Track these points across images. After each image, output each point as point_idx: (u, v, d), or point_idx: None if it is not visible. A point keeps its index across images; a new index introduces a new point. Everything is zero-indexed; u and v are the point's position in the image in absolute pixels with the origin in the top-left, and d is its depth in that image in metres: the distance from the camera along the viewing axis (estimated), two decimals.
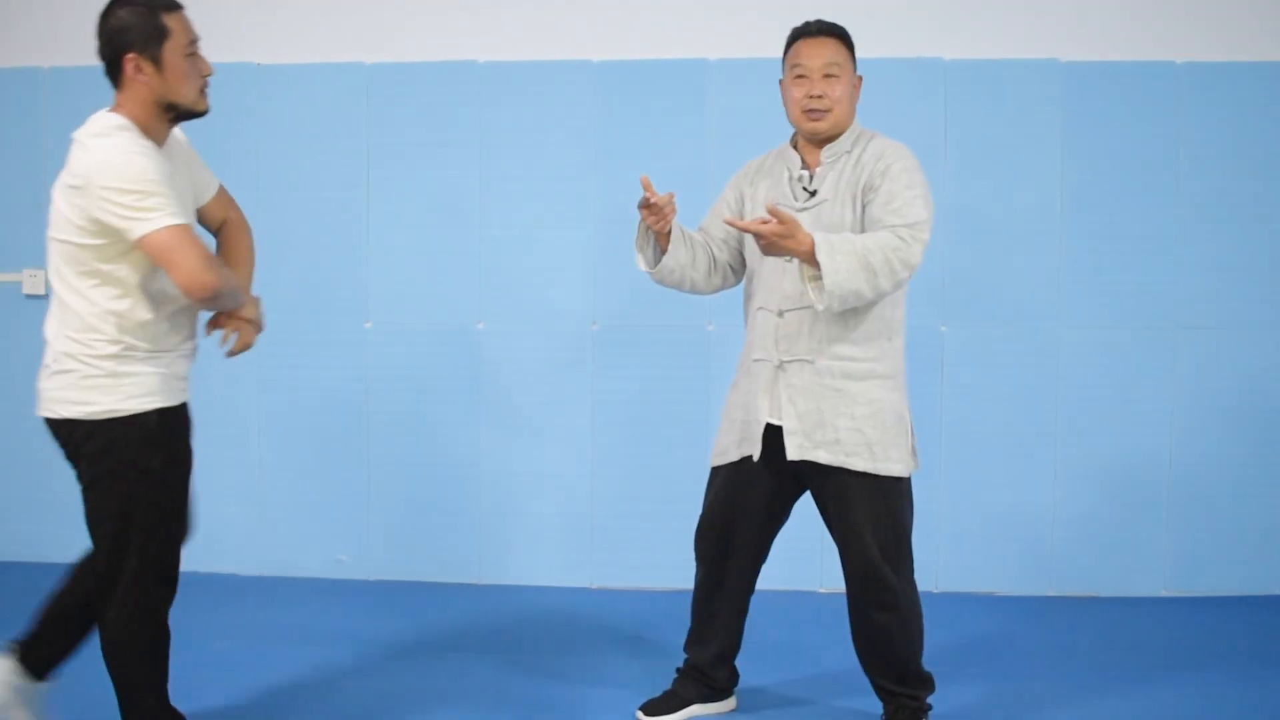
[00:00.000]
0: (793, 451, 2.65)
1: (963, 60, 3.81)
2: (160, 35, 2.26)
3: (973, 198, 3.82)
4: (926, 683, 2.79)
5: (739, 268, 2.88)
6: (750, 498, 2.78)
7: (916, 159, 2.67)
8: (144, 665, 2.42)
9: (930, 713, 2.79)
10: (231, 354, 2.49)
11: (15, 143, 4.09)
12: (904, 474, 2.66)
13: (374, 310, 3.99)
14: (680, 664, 2.97)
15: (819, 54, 2.66)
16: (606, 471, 3.96)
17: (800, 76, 2.68)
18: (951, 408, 3.85)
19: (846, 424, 2.61)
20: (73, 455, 2.37)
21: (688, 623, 2.96)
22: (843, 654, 2.97)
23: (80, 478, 2.36)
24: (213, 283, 2.22)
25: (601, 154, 3.90)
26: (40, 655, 2.51)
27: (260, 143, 4.01)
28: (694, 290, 2.88)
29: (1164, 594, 3.86)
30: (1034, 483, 3.86)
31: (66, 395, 2.33)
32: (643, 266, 2.80)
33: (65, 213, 2.26)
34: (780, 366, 2.67)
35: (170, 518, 2.40)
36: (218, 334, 2.46)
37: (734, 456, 2.77)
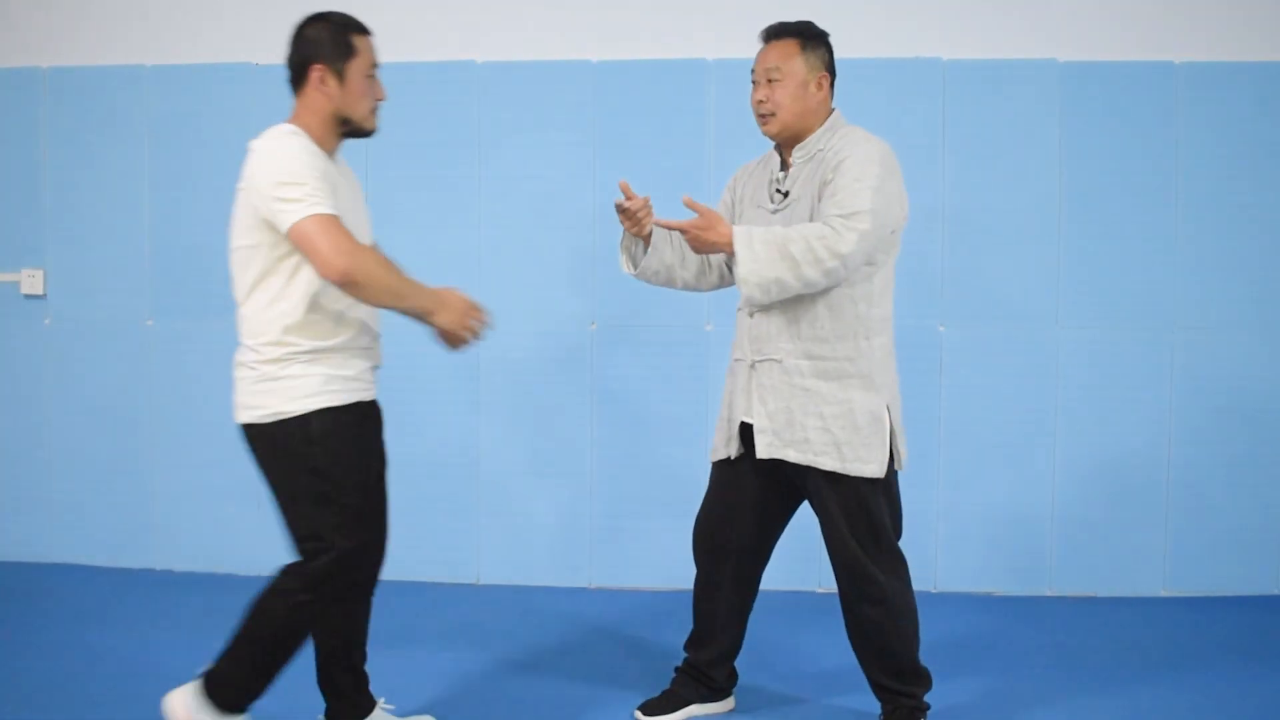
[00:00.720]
0: (762, 449, 2.67)
1: (961, 60, 3.82)
2: (348, 53, 2.42)
3: (971, 198, 3.83)
4: (923, 679, 2.79)
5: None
6: (740, 495, 2.79)
7: (880, 153, 2.60)
8: (268, 647, 2.45)
9: (928, 712, 2.79)
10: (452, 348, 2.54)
11: (14, 143, 4.09)
12: (876, 475, 2.63)
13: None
14: (679, 663, 2.97)
15: (763, 59, 2.69)
16: (605, 471, 3.96)
17: (754, 83, 2.71)
18: (949, 407, 3.86)
19: (815, 423, 2.62)
20: (254, 457, 2.44)
21: (686, 623, 2.96)
22: (840, 654, 2.98)
23: (265, 481, 2.43)
24: (344, 266, 2.23)
25: (600, 154, 3.90)
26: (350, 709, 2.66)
27: None
28: (686, 288, 2.91)
29: (1162, 594, 3.86)
30: (1032, 483, 3.86)
31: (241, 400, 2.42)
32: (626, 268, 2.83)
33: (241, 218, 2.38)
34: (753, 366, 2.70)
35: (352, 515, 2.40)
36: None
37: (723, 454, 2.81)
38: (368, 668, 2.70)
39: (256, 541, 4.06)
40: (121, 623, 3.55)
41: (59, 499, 4.15)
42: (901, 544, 2.75)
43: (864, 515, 2.66)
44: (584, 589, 3.96)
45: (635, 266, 2.82)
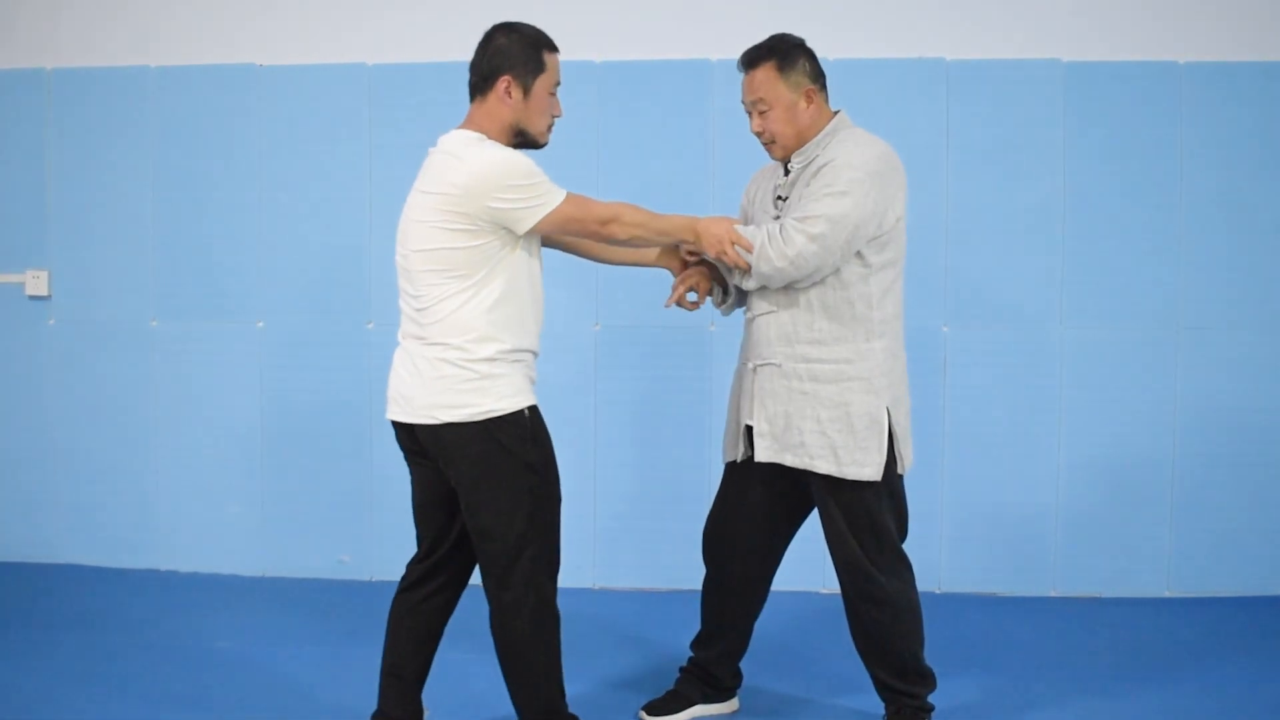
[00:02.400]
0: (761, 454, 2.68)
1: (965, 60, 3.81)
2: (538, 68, 2.48)
3: (975, 198, 3.82)
4: (927, 678, 2.79)
5: None
6: (749, 497, 2.79)
7: (867, 155, 2.58)
8: (550, 656, 2.51)
9: (932, 712, 2.79)
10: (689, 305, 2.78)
11: (19, 144, 4.09)
12: (873, 478, 2.61)
13: (376, 311, 3.99)
14: (684, 663, 2.97)
15: (746, 90, 2.71)
16: (609, 472, 3.96)
17: (746, 112, 2.73)
18: (953, 408, 3.85)
19: (812, 427, 2.62)
20: (451, 458, 2.43)
21: (690, 623, 2.96)
22: (844, 655, 2.98)
23: (462, 481, 2.43)
24: (611, 232, 2.51)
25: (603, 154, 3.90)
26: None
27: (262, 144, 4.02)
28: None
29: (1166, 594, 3.86)
30: (1036, 483, 3.86)
31: (444, 400, 2.40)
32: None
33: (435, 222, 2.40)
34: (754, 370, 2.71)
35: (557, 508, 2.52)
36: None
37: (731, 456, 2.81)
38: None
39: (260, 542, 4.07)
40: (125, 623, 3.56)
41: (63, 499, 4.16)
42: (905, 544, 2.75)
43: (865, 517, 2.65)
44: (588, 589, 3.96)
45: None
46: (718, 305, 2.86)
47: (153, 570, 4.10)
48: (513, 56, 2.45)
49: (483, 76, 2.48)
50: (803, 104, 2.66)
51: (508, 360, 2.43)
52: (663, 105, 3.88)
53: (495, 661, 2.57)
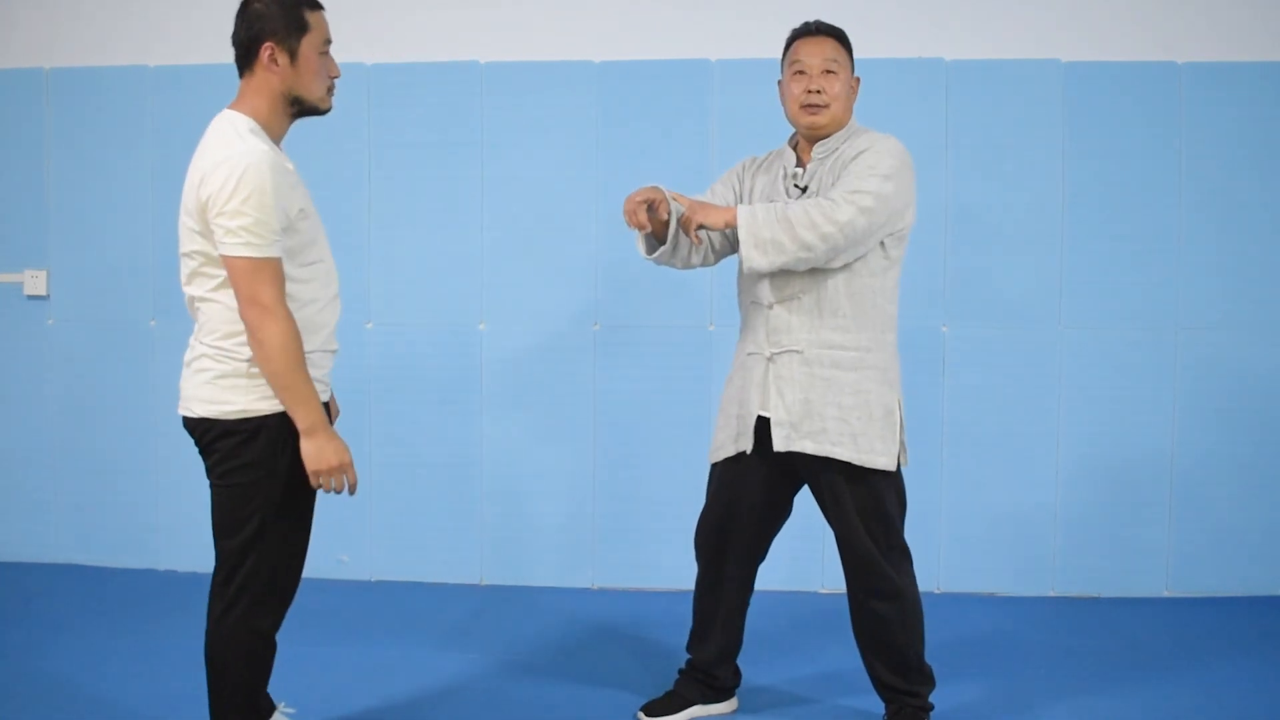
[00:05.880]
0: (779, 443, 2.66)
1: (964, 61, 3.82)
2: (300, 28, 2.30)
3: (974, 198, 3.82)
4: (927, 678, 2.79)
5: (719, 248, 2.86)
6: (747, 492, 2.78)
7: (898, 148, 2.65)
8: (240, 673, 2.36)
9: (932, 712, 2.79)
10: None
11: (17, 144, 4.09)
12: (887, 468, 2.65)
13: (375, 311, 3.99)
14: (682, 664, 2.97)
15: (818, 51, 2.69)
16: (608, 472, 3.96)
17: (799, 73, 2.70)
18: (952, 408, 3.85)
19: (833, 413, 2.62)
20: (205, 452, 2.35)
21: (689, 623, 2.96)
22: (844, 654, 2.98)
23: (210, 475, 2.34)
24: (256, 320, 2.19)
25: (603, 154, 3.90)
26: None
27: None
28: (679, 266, 2.85)
29: (1165, 594, 3.86)
30: (1035, 483, 3.86)
31: (201, 394, 2.29)
32: (642, 252, 2.79)
33: (190, 223, 2.26)
34: (771, 359, 2.68)
35: (295, 523, 2.37)
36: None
37: (730, 452, 2.78)
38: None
39: None
40: (125, 624, 3.56)
41: (62, 499, 4.16)
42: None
43: (877, 509, 2.66)
44: (587, 589, 3.96)
45: (650, 252, 2.78)
46: (647, 255, 2.77)
47: (152, 570, 4.10)
48: (271, 19, 2.28)
49: (244, 48, 2.31)
50: (852, 87, 2.74)
51: None
52: (663, 105, 3.88)
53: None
